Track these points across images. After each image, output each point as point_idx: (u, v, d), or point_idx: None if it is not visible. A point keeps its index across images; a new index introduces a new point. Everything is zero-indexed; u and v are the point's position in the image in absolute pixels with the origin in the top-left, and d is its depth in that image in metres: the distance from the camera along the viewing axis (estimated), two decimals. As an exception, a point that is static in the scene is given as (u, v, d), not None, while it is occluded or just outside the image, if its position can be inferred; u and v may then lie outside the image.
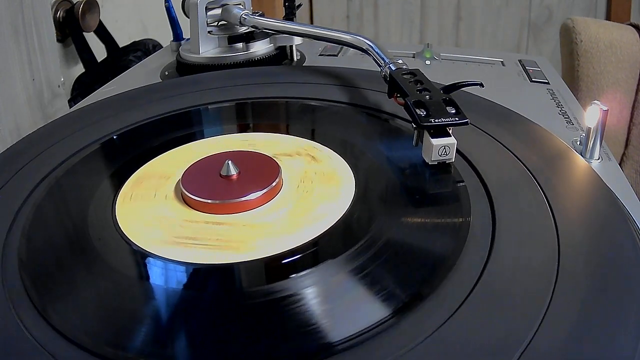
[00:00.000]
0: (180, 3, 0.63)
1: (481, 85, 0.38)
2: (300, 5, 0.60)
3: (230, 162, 0.33)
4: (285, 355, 0.23)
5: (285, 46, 0.58)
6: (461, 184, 0.32)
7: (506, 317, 0.23)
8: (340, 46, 0.63)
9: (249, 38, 0.56)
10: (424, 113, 0.33)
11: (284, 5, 0.60)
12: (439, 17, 1.47)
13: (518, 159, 0.34)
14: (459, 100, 0.34)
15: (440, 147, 0.33)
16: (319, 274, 0.26)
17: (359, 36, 0.48)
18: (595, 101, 0.36)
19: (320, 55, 0.62)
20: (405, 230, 0.29)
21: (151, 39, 0.86)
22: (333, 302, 0.25)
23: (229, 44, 0.57)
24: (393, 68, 0.40)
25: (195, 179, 0.33)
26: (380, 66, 0.43)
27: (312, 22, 1.51)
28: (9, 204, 0.33)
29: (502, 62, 0.59)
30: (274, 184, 0.32)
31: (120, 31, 0.86)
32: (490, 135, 0.37)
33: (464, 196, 0.31)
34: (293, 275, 0.26)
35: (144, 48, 0.83)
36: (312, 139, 0.39)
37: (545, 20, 1.43)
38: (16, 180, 0.36)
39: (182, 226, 0.30)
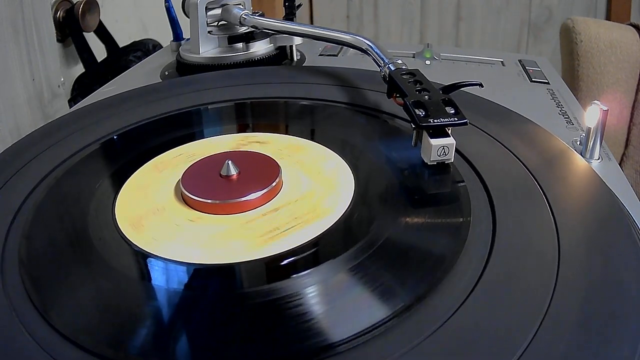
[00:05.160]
0: (180, 3, 0.63)
1: (480, 85, 0.38)
2: (300, 5, 0.60)
3: (230, 162, 0.33)
4: (285, 355, 0.23)
5: (285, 46, 0.58)
6: (461, 184, 0.32)
7: (506, 317, 0.23)
8: (340, 46, 0.63)
9: (249, 38, 0.56)
10: (423, 113, 0.33)
11: (284, 5, 0.60)
12: (439, 17, 1.47)
13: (518, 159, 0.34)
14: (458, 100, 0.34)
15: (439, 148, 0.33)
16: (319, 274, 0.26)
17: (359, 36, 0.48)
18: (595, 101, 0.36)
19: (320, 55, 0.62)
20: (405, 230, 0.29)
21: (151, 39, 0.86)
22: (333, 302, 0.25)
23: (229, 44, 0.57)
24: (392, 68, 0.40)
25: (196, 179, 0.33)
26: (379, 66, 0.43)
27: (312, 22, 1.51)
28: (9, 204, 0.33)
29: (502, 62, 0.59)
30: (274, 184, 0.32)
31: (120, 31, 0.86)
32: (490, 135, 0.37)
33: (464, 196, 0.31)
34: (293, 276, 0.26)
35: (144, 48, 0.83)
36: (312, 139, 0.39)
37: (545, 20, 1.43)
38: (16, 180, 0.36)
39: (182, 226, 0.30)
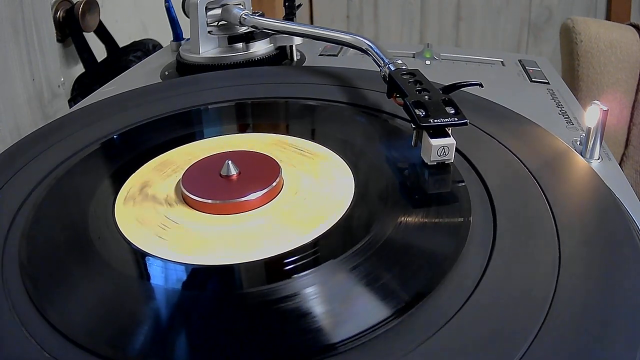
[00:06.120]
0: (180, 3, 0.63)
1: (480, 85, 0.38)
2: (300, 5, 0.60)
3: (230, 162, 0.33)
4: (285, 355, 0.23)
5: (285, 46, 0.58)
6: (461, 184, 0.32)
7: (507, 318, 0.23)
8: (340, 46, 0.63)
9: (249, 38, 0.56)
10: (423, 113, 0.33)
11: (284, 5, 0.60)
12: (439, 17, 1.47)
13: (518, 159, 0.34)
14: (458, 100, 0.34)
15: (439, 148, 0.33)
16: (319, 275, 0.26)
17: (359, 36, 0.48)
18: (595, 101, 0.36)
19: (320, 55, 0.62)
20: (406, 231, 0.29)
21: (151, 39, 0.86)
22: (333, 302, 0.25)
23: (229, 44, 0.57)
24: (392, 68, 0.40)
25: (196, 179, 0.33)
26: (379, 66, 0.43)
27: (312, 22, 1.51)
28: (9, 204, 0.33)
29: (502, 62, 0.59)
30: (274, 184, 0.32)
31: (120, 31, 0.86)
32: (490, 135, 0.37)
33: (464, 196, 0.31)
34: (293, 276, 0.26)
35: (144, 48, 0.83)
36: (312, 139, 0.39)
37: (545, 20, 1.43)
38: (16, 180, 0.36)
39: (182, 226, 0.30)
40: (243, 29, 0.57)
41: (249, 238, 0.29)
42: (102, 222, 0.31)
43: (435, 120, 0.33)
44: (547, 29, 1.44)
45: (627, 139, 0.77)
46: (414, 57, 0.60)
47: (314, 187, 0.33)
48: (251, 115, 0.46)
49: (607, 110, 0.36)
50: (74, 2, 0.77)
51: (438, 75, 0.44)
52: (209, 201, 0.31)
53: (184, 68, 0.57)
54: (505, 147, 0.36)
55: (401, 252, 0.28)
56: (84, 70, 0.79)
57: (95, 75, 0.78)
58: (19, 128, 0.64)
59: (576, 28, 0.74)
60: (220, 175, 0.33)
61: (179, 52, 0.58)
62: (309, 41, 0.55)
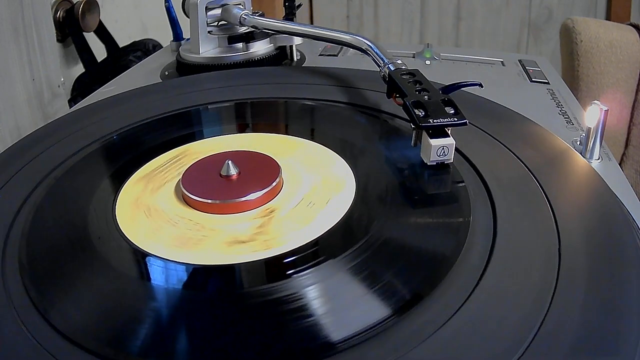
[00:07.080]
0: (180, 3, 0.63)
1: (480, 85, 0.38)
2: (300, 5, 0.60)
3: (230, 162, 0.33)
4: (285, 355, 0.23)
5: (285, 46, 0.58)
6: (461, 184, 0.32)
7: (506, 318, 0.23)
8: (340, 46, 0.63)
9: (249, 38, 0.56)
10: (423, 113, 0.33)
11: (284, 5, 0.60)
12: (439, 17, 1.47)
13: (518, 159, 0.34)
14: (458, 100, 0.34)
15: (439, 148, 0.33)
16: (319, 274, 0.26)
17: (359, 36, 0.48)
18: (595, 101, 0.36)
19: (320, 55, 0.62)
20: (406, 231, 0.29)
21: (151, 39, 0.86)
22: (333, 302, 0.25)
23: (229, 44, 0.57)
24: (392, 68, 0.40)
25: (196, 178, 0.33)
26: (379, 66, 0.43)
27: (312, 22, 1.51)
28: (9, 204, 0.33)
29: (502, 62, 0.59)
30: (274, 184, 0.32)
31: (120, 31, 0.86)
32: (490, 135, 0.37)
33: (464, 196, 0.31)
34: (294, 276, 0.26)
35: (144, 48, 0.83)
36: (312, 139, 0.39)
37: (545, 20, 1.43)
38: (16, 180, 0.36)
39: (182, 226, 0.30)
40: (243, 29, 0.57)
41: (249, 238, 0.29)
42: (102, 222, 0.31)
43: (434, 121, 0.33)
44: (547, 29, 1.44)
45: (627, 139, 0.77)
46: (414, 57, 0.60)
47: (313, 186, 0.33)
48: (251, 116, 0.46)
49: (607, 110, 0.36)
50: (74, 2, 0.77)
51: (438, 75, 0.44)
52: (209, 201, 0.31)
53: (184, 68, 0.57)
54: (505, 146, 0.36)
55: (401, 253, 0.28)
56: (84, 70, 0.79)
57: (95, 75, 0.78)
58: (19, 128, 0.64)
59: (576, 28, 0.74)
60: (220, 175, 0.33)
61: (179, 52, 0.59)
62: (309, 41, 0.55)
